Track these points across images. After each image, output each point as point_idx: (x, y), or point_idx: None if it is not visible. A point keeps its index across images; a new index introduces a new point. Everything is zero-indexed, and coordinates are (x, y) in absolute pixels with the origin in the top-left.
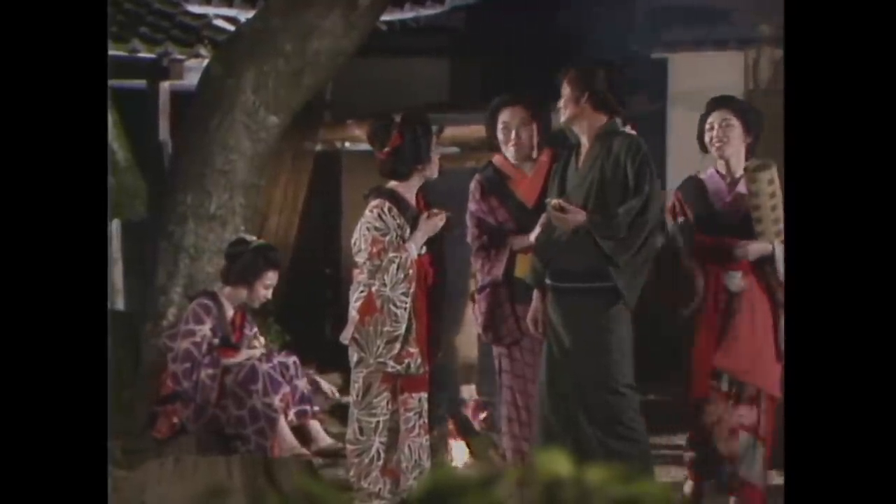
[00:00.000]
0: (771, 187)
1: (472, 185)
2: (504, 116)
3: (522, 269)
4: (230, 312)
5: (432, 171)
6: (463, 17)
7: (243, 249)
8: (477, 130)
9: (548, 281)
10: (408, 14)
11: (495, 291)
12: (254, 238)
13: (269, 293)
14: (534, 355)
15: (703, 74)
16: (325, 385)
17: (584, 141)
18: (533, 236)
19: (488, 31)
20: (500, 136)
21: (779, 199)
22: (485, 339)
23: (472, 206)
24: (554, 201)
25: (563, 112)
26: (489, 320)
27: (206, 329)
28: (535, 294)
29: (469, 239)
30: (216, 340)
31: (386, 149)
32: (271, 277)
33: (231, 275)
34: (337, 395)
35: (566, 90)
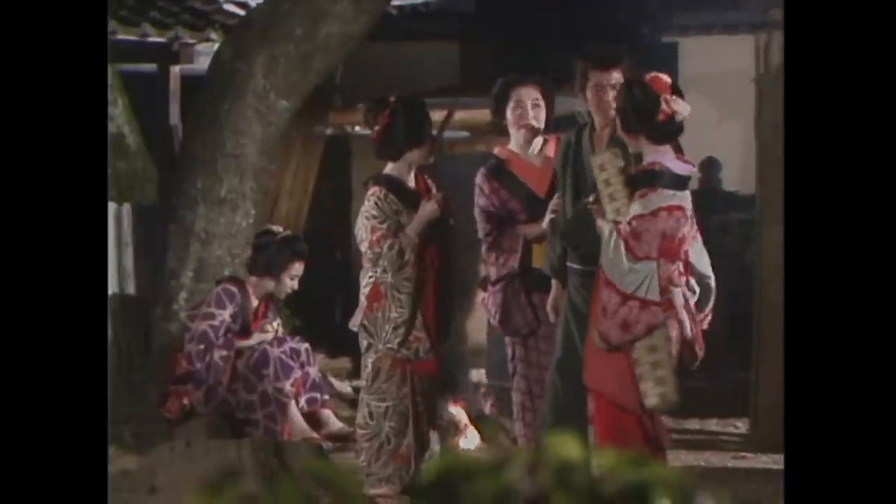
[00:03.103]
0: (603, 174)
1: (479, 179)
2: (517, 95)
3: (539, 259)
4: (255, 302)
5: (425, 155)
6: (472, 0)
7: (270, 241)
8: (488, 114)
9: (578, 266)
10: None
11: (510, 283)
12: (280, 229)
13: (294, 283)
14: (549, 343)
15: (713, 58)
16: (339, 385)
17: (598, 123)
18: (544, 224)
19: (498, 14)
20: (510, 115)
21: (613, 187)
22: (503, 332)
23: (480, 200)
24: (591, 198)
25: (605, 100)
26: (506, 313)
27: (225, 315)
28: (554, 283)
29: (480, 235)
30: (236, 327)
31: (377, 128)
32: (297, 269)
33: (257, 266)
34: (350, 389)
35: (617, 77)
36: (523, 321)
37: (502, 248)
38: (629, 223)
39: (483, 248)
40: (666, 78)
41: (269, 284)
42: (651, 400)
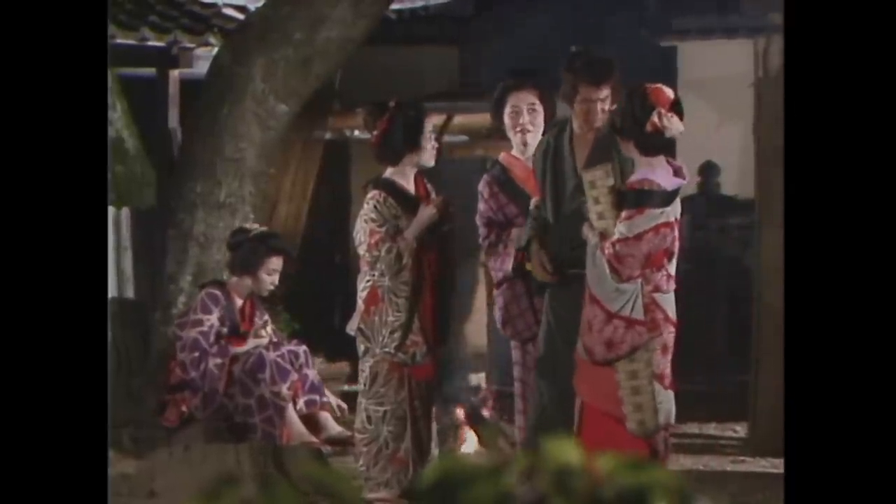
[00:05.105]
0: (593, 192)
1: (481, 185)
2: (513, 100)
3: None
4: (239, 302)
5: (423, 158)
6: (472, 4)
7: (242, 238)
8: (486, 118)
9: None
10: (417, 2)
11: (513, 287)
12: (255, 226)
13: (274, 279)
14: None
15: (712, 63)
16: (334, 400)
17: (581, 128)
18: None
19: (497, 18)
20: (507, 120)
21: (603, 206)
22: (505, 335)
23: (480, 206)
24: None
25: (600, 112)
26: (507, 316)
27: (213, 319)
28: (534, 244)
29: (480, 240)
30: (225, 330)
31: (375, 132)
32: (275, 263)
33: (234, 265)
34: (346, 410)
35: (606, 92)
36: (524, 325)
37: (497, 251)
38: (612, 245)
39: (483, 253)
40: (669, 93)
41: (248, 283)
42: (630, 425)
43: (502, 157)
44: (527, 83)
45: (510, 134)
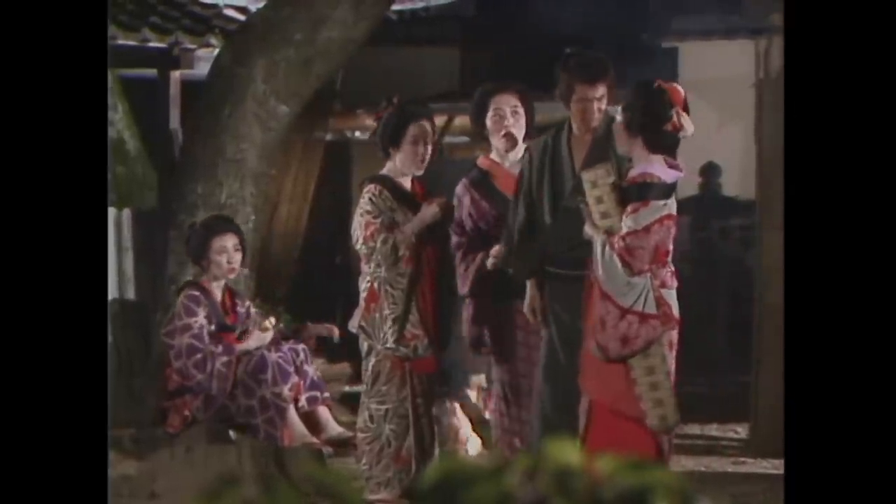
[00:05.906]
0: (595, 191)
1: (459, 190)
2: (495, 104)
3: None
4: (218, 296)
5: (403, 161)
6: (473, 5)
7: (191, 232)
8: None
9: (559, 270)
10: (418, 3)
11: (472, 305)
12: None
13: (231, 258)
14: (528, 349)
15: (713, 63)
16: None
17: (579, 129)
18: (489, 262)
19: (498, 19)
20: (490, 124)
21: (606, 204)
22: (469, 346)
23: (456, 214)
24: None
25: (597, 111)
26: (473, 327)
27: (200, 319)
28: (529, 284)
29: (452, 246)
30: (213, 328)
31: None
32: (225, 241)
33: (192, 259)
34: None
35: (602, 91)
36: (482, 341)
37: (461, 271)
38: (623, 239)
39: (455, 260)
40: (682, 92)
41: (215, 272)
42: (651, 421)
43: (481, 161)
44: (508, 87)
45: (493, 138)
